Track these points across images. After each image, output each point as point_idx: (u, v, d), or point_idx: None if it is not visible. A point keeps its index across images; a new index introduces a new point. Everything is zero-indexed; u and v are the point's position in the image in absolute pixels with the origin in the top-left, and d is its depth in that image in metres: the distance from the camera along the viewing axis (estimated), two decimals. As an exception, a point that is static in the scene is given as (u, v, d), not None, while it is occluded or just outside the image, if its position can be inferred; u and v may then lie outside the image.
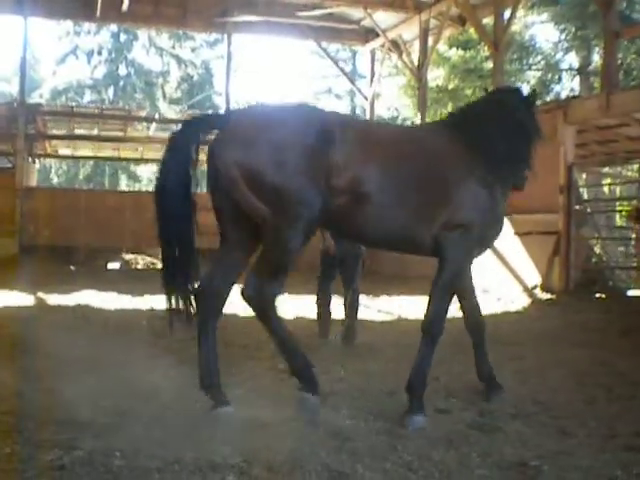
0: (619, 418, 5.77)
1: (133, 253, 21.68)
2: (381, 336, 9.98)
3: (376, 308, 13.70)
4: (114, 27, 47.83)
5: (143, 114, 27.21)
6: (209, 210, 5.46)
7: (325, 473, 4.22)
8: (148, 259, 22.30)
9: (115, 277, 17.91)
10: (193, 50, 53.26)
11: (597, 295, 14.29)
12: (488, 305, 14.01)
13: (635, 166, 24.80)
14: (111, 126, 26.17)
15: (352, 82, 28.43)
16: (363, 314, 13.00)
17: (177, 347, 8.31)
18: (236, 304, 11.73)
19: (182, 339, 8.96)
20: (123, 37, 51.04)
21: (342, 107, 54.00)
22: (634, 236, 18.97)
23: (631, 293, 15.01)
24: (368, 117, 24.10)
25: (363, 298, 14.52)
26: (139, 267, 21.63)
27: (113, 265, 20.46)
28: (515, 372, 7.38)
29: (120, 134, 26.68)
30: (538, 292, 14.52)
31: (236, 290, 5.48)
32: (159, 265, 18.59)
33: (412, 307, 13.69)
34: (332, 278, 9.69)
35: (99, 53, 51.28)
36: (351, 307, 9.59)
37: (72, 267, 19.67)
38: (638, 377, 7.32)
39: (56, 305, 12.50)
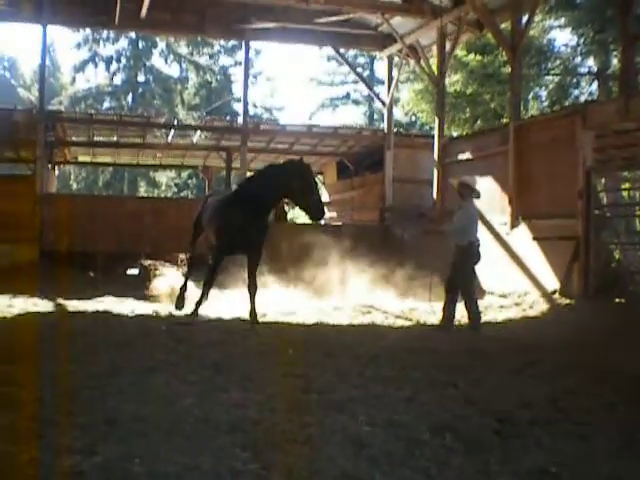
0: (638, 424, 5.74)
1: (152, 259, 21.74)
2: (398, 341, 9.96)
3: (393, 312, 13.71)
4: (133, 34, 48.10)
5: (162, 120, 27.28)
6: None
7: (343, 480, 4.23)
8: (167, 265, 22.34)
9: (134, 283, 17.96)
10: (211, 56, 53.51)
11: (617, 300, 14.23)
12: (507, 310, 14.02)
13: (655, 170, 24.67)
14: (130, 133, 26.28)
15: (370, 88, 28.39)
16: (369, 317, 13.08)
17: (197, 353, 8.34)
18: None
19: (202, 344, 9.03)
20: (141, 44, 51.33)
21: (360, 113, 54.06)
22: (654, 241, 18.88)
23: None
24: (386, 123, 24.08)
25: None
26: (158, 273, 21.66)
27: (132, 271, 20.49)
28: (533, 377, 7.36)
29: (139, 140, 26.80)
30: (557, 297, 14.46)
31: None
32: (179, 271, 18.61)
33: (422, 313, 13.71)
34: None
35: (118, 60, 51.69)
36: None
37: (91, 273, 19.74)
38: (657, 382, 7.28)
39: (76, 311, 12.56)
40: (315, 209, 11.59)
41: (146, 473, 4.19)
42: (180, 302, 13.10)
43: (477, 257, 11.82)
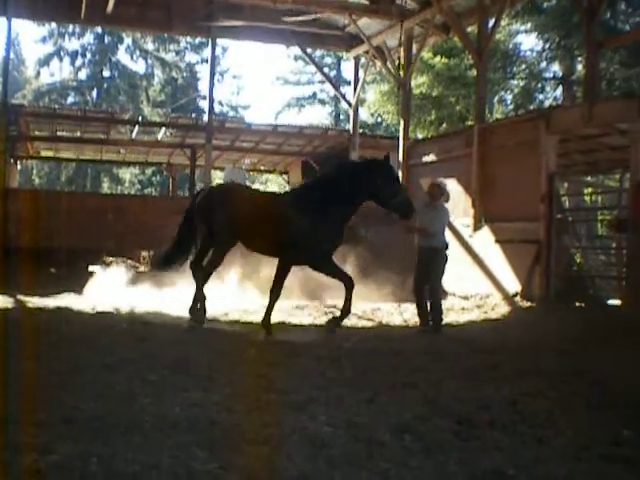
0: (596, 427, 5.78)
1: (114, 256, 21.61)
2: (360, 342, 9.98)
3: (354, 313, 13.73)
4: (99, 29, 47.79)
5: (126, 117, 27.15)
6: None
7: (301, 480, 4.22)
8: (129, 262, 22.22)
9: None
10: (177, 53, 53.35)
11: (577, 304, 14.36)
12: (468, 312, 14.09)
13: (617, 175, 24.92)
14: (94, 128, 26.12)
15: (336, 88, 28.44)
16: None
17: (158, 351, 8.30)
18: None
19: (163, 343, 8.99)
20: (107, 39, 51.04)
21: (326, 113, 54.09)
22: (615, 245, 19.06)
23: (611, 302, 15.08)
24: (352, 124, 24.13)
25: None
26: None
27: (94, 268, 20.34)
28: (492, 380, 7.40)
29: (103, 136, 26.64)
30: (518, 300, 14.57)
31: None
32: (140, 268, 18.61)
33: (385, 314, 13.74)
34: None
35: (83, 55, 51.34)
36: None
37: (53, 269, 19.58)
38: (615, 386, 7.33)
39: (37, 307, 12.46)
40: (405, 210, 10.75)
41: (103, 472, 4.16)
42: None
43: (446, 259, 11.91)
